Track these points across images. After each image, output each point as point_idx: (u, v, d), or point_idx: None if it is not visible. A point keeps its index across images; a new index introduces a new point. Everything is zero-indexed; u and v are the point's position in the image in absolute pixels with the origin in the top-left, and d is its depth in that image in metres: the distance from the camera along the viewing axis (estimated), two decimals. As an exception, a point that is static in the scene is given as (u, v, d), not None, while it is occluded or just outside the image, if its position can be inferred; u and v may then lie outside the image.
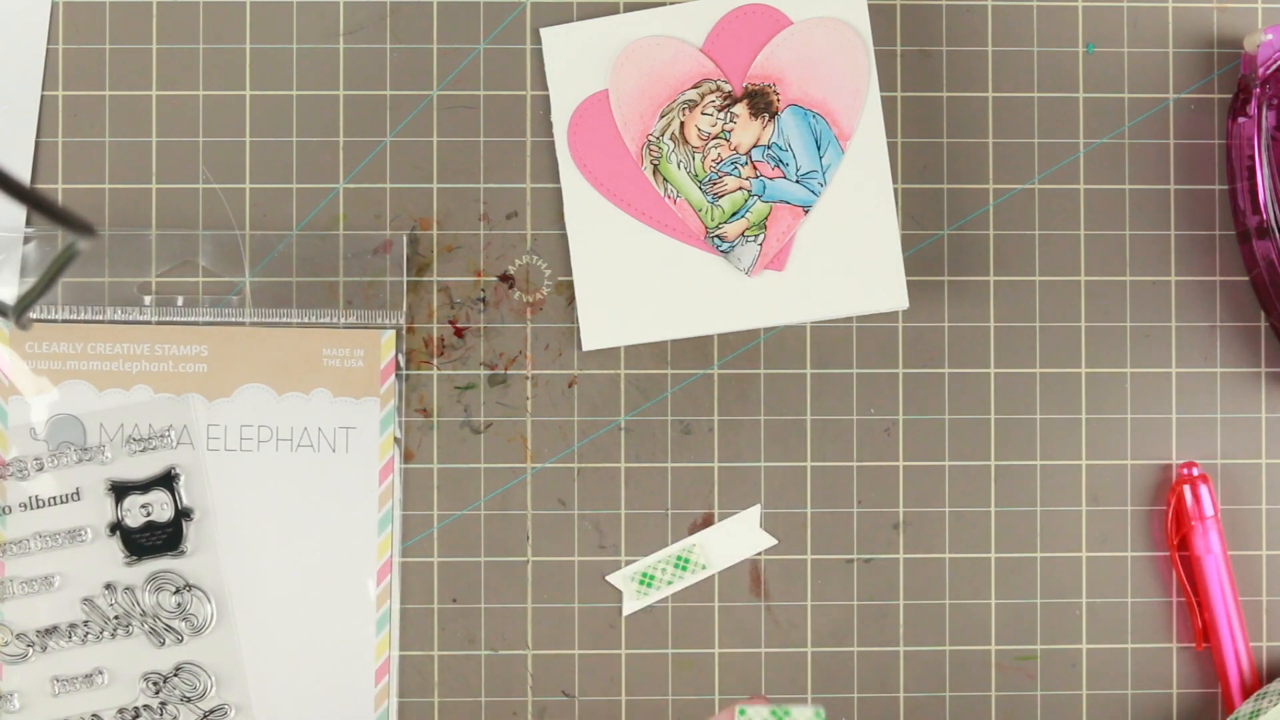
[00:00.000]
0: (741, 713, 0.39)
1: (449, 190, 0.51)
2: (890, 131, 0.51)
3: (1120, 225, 0.52)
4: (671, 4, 0.51)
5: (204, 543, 0.50)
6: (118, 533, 0.50)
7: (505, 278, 0.51)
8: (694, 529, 0.51)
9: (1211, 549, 0.50)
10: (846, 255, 0.50)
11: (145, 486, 0.50)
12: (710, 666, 0.51)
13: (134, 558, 0.50)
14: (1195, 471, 0.51)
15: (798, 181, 0.50)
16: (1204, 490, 0.50)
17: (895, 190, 0.51)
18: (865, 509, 0.51)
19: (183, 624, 0.50)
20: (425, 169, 0.51)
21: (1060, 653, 0.51)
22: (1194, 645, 0.51)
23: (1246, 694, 0.50)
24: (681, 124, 0.50)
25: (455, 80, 0.52)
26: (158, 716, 0.50)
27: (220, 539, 0.50)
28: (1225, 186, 0.52)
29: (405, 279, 0.51)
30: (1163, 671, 0.51)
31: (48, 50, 0.51)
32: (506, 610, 0.51)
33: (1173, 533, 0.51)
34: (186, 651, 0.50)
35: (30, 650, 0.50)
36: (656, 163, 0.50)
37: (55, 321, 0.50)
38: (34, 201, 0.35)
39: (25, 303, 0.40)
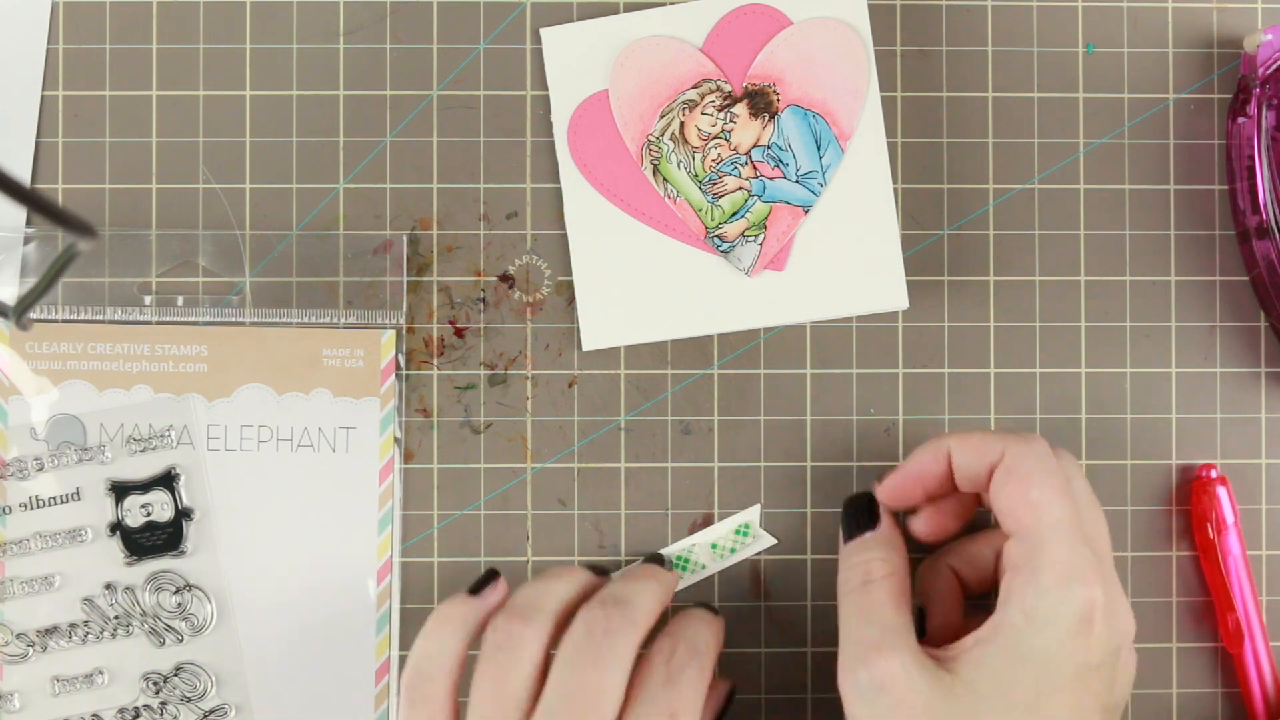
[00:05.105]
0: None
1: (449, 190, 0.51)
2: (890, 131, 0.51)
3: (1120, 225, 0.52)
4: (671, 4, 0.51)
5: (204, 543, 0.50)
6: (118, 533, 0.50)
7: (505, 278, 0.51)
8: (694, 529, 0.51)
9: (1232, 551, 0.50)
10: (846, 255, 0.50)
11: (145, 486, 0.50)
12: (710, 666, 0.51)
13: (134, 558, 0.50)
14: (1214, 474, 0.51)
15: (798, 181, 0.50)
16: (1223, 492, 0.50)
17: (895, 190, 0.51)
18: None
19: (183, 624, 0.50)
20: (425, 169, 0.51)
21: (1060, 653, 0.51)
22: (1221, 645, 0.51)
23: (1267, 697, 0.50)
24: (681, 124, 0.50)
25: (455, 80, 0.52)
26: (158, 716, 0.50)
27: (220, 539, 0.50)
28: (1225, 186, 0.52)
29: (405, 279, 0.51)
30: (1162, 671, 0.51)
31: (48, 50, 0.51)
32: (506, 610, 0.51)
33: (1201, 532, 0.51)
34: (186, 651, 0.50)
35: (30, 650, 0.50)
36: (656, 163, 0.50)
37: (55, 321, 0.51)
38: (34, 201, 0.35)
39: (25, 303, 0.40)
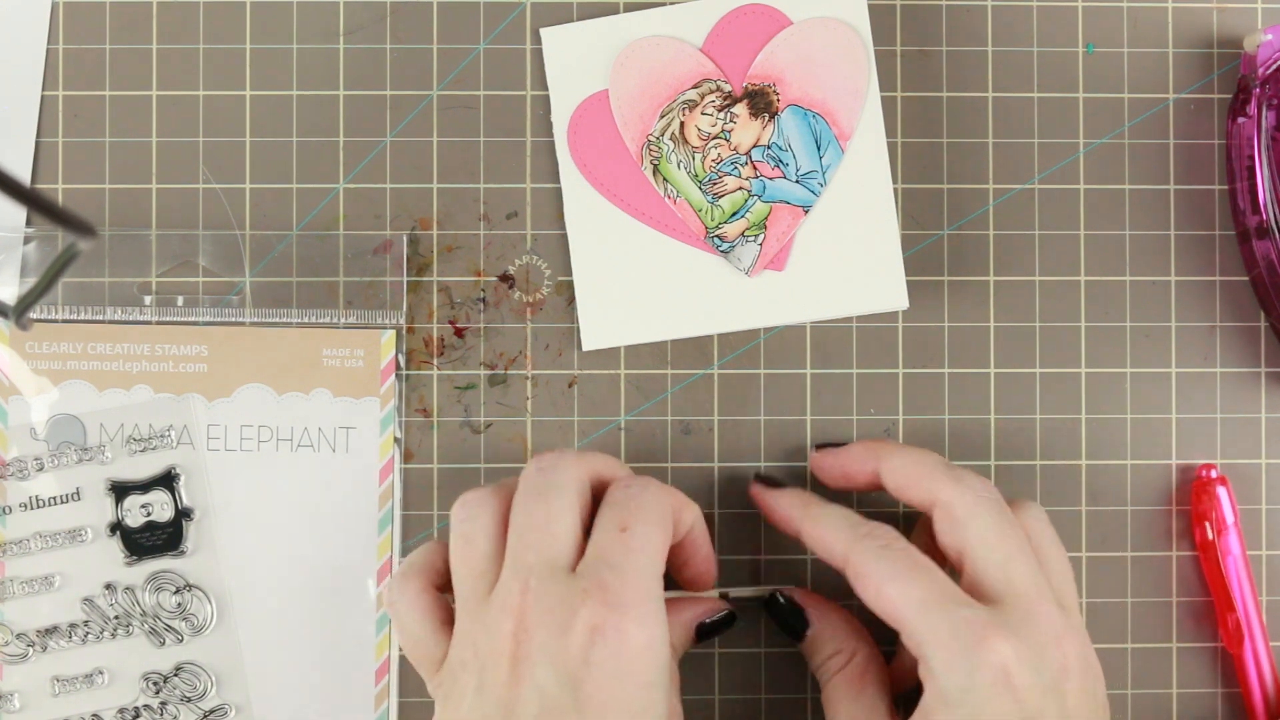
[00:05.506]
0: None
1: (449, 190, 0.51)
2: (890, 131, 0.51)
3: (1120, 225, 0.52)
4: (671, 4, 0.51)
5: (204, 543, 0.50)
6: (118, 533, 0.50)
7: (505, 278, 0.51)
8: (694, 529, 0.51)
9: (1232, 551, 0.50)
10: (846, 255, 0.50)
11: (145, 486, 0.50)
12: (710, 666, 0.51)
13: (134, 558, 0.50)
14: (1214, 473, 0.51)
15: (798, 181, 0.50)
16: (1223, 492, 0.50)
17: (895, 190, 0.51)
18: (865, 508, 0.51)
19: (183, 624, 0.50)
20: (425, 169, 0.51)
21: (1060, 653, 0.51)
22: (1221, 645, 0.51)
23: (1267, 697, 0.50)
24: (681, 124, 0.50)
25: (455, 80, 0.52)
26: (158, 716, 0.50)
27: (220, 539, 0.50)
28: (1225, 186, 0.52)
29: (405, 279, 0.51)
30: (1163, 671, 0.51)
31: (48, 50, 0.51)
32: (506, 610, 0.51)
33: (1201, 532, 0.50)
34: (186, 651, 0.50)
35: (30, 650, 0.50)
36: (656, 163, 0.50)
37: (55, 321, 0.51)
38: (34, 201, 0.35)
39: (25, 303, 0.40)
